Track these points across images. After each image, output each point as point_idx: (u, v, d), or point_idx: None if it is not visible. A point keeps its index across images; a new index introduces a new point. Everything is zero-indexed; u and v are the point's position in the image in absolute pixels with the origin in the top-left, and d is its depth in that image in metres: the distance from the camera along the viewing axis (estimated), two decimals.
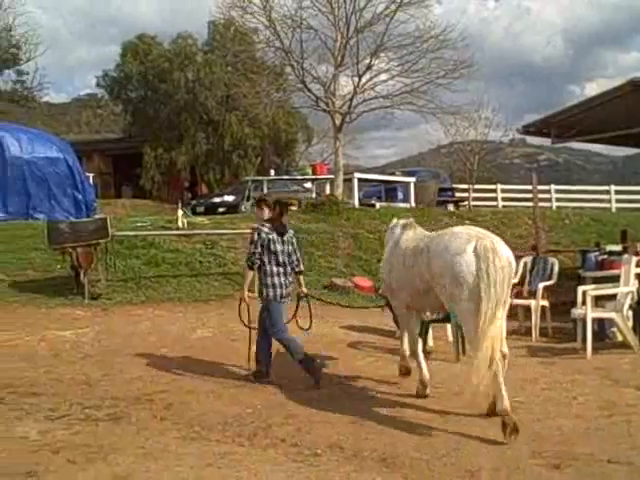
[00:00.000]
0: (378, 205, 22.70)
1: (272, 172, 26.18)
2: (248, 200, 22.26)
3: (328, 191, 24.01)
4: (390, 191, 25.94)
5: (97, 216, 16.44)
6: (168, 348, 9.28)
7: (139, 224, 17.59)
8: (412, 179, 24.55)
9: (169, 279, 14.03)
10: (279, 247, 7.62)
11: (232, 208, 23.32)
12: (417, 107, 23.17)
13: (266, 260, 7.58)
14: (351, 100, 23.10)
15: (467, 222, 18.72)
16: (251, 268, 7.60)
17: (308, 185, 26.45)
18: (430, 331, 9.25)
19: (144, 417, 6.30)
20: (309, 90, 23.32)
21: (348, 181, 23.37)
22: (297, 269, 7.85)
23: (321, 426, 6.06)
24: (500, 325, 5.87)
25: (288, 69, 25.38)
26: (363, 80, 23.09)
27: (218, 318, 11.48)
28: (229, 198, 25.02)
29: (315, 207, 19.83)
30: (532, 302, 10.42)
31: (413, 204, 23.02)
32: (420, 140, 44.85)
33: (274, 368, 7.81)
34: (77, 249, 12.97)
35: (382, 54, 23.45)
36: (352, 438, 5.70)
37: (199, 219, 19.15)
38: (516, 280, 10.24)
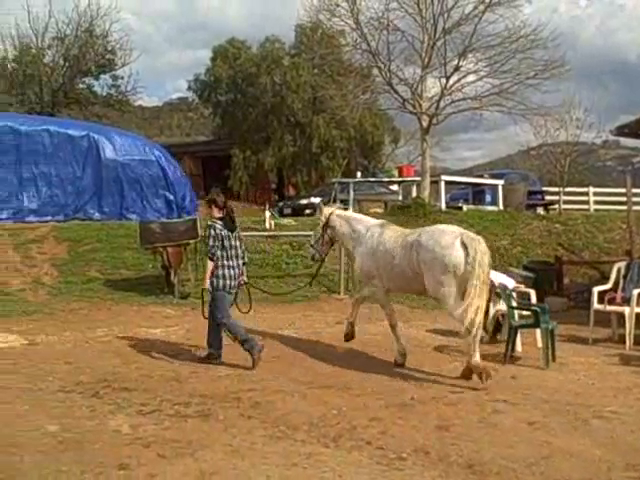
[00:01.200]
0: (465, 208, 22.38)
1: (358, 174, 26.17)
2: (334, 202, 22.29)
3: (414, 193, 23.82)
4: (478, 194, 25.52)
5: (187, 217, 16.78)
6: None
7: None
8: (500, 182, 24.10)
9: (256, 280, 14.18)
10: (232, 242, 8.42)
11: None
12: (506, 108, 22.67)
13: (219, 254, 8.32)
14: (438, 102, 22.84)
15: (557, 226, 18.29)
16: (212, 260, 8.30)
17: (394, 187, 26.32)
18: (519, 337, 9.09)
19: (231, 415, 6.40)
20: (396, 92, 23.18)
21: (435, 183, 23.12)
22: (243, 261, 8.66)
23: (406, 430, 6.02)
24: (484, 298, 7.50)
25: (375, 71, 25.29)
26: (451, 81, 22.79)
27: (304, 319, 11.57)
28: (316, 200, 25.16)
29: (401, 209, 19.74)
30: (626, 309, 10.04)
31: (501, 207, 22.60)
32: (509, 142, 44.30)
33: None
34: (167, 249, 13.30)
35: (470, 55, 23.07)
36: (438, 443, 5.64)
37: (286, 220, 19.35)
38: (609, 286, 10.03)
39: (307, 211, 23.76)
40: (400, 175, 25.13)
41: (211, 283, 8.33)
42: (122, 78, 39.83)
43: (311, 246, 9.43)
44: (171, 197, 19.67)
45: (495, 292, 9.71)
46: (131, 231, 15.58)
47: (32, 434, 5.70)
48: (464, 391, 7.35)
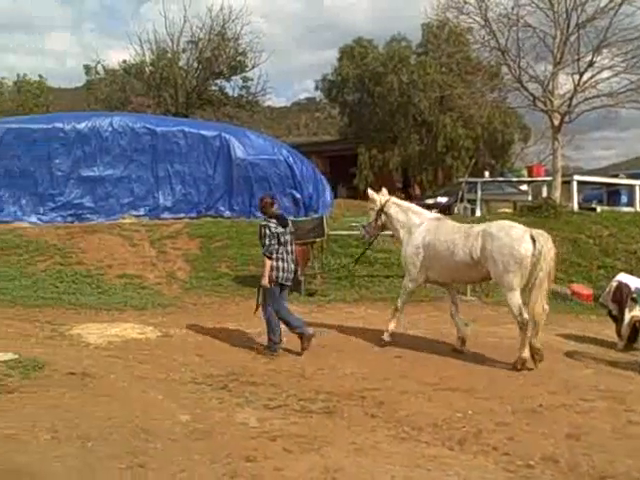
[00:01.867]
0: (599, 209, 21.51)
1: (486, 174, 25.67)
2: (461, 202, 21.99)
3: (545, 194, 23.12)
4: (613, 194, 24.47)
5: (314, 215, 16.96)
6: (380, 347, 9.40)
7: (353, 224, 17.97)
8: (638, 182, 23.02)
9: (381, 279, 14.21)
10: (286, 238, 8.96)
11: (445, 209, 23.13)
12: None
13: (275, 249, 8.81)
14: (571, 99, 22.02)
15: None
16: (270, 258, 8.78)
17: (524, 187, 25.63)
18: None
19: (356, 413, 6.44)
20: (526, 89, 22.55)
21: (566, 183, 22.36)
22: (293, 256, 9.19)
23: (534, 437, 5.86)
24: (545, 289, 8.35)
25: (504, 68, 24.73)
26: (584, 78, 21.89)
27: (429, 320, 11.46)
28: (442, 199, 24.87)
29: (531, 210, 19.18)
30: None
31: (639, 208, 21.59)
32: None
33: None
34: (295, 247, 13.49)
35: (605, 50, 22.09)
36: (568, 452, 5.46)
37: None
38: None
39: (433, 211, 23.42)
40: (530, 175, 24.48)
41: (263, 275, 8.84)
42: (252, 79, 40.84)
43: (362, 227, 10.07)
44: (298, 196, 19.94)
45: (631, 297, 9.32)
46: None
47: (165, 422, 5.93)
48: (596, 400, 7.07)
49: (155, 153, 19.47)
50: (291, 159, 20.42)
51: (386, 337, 9.48)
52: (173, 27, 38.59)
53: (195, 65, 39.69)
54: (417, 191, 34.71)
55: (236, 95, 41.41)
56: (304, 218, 16.31)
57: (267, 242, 8.76)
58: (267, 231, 8.79)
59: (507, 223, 8.91)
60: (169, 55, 39.05)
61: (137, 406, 6.35)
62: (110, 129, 19.17)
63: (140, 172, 19.34)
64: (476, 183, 23.53)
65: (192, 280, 14.24)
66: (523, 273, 8.31)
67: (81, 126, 18.99)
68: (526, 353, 8.31)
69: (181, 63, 39.78)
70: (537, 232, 8.46)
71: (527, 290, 8.40)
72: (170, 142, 19.59)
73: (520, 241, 8.33)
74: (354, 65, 36.97)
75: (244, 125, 31.49)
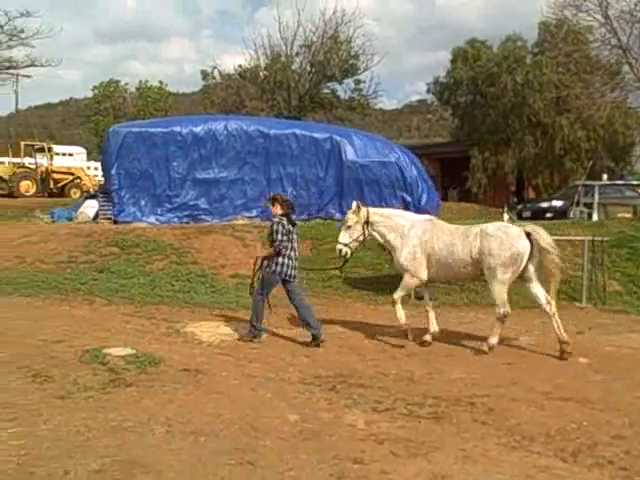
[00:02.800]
0: None
1: (604, 177, 24.76)
2: (577, 205, 21.31)
3: None
4: None
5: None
6: (490, 353, 9.22)
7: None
8: None
9: (484, 285, 13.91)
10: (293, 236, 9.65)
11: (560, 214, 22.44)
12: None
13: (285, 245, 9.49)
14: None
15: None
16: (279, 253, 9.44)
17: None
18: None
19: (465, 419, 6.34)
20: None
21: None
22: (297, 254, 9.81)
23: None
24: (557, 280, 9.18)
25: (625, 67, 23.84)
26: None
27: (542, 326, 11.14)
28: (557, 203, 24.09)
29: None
30: None
31: None
32: None
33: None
34: None
35: None
36: None
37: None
38: None
39: (547, 215, 22.79)
40: None
41: (270, 267, 9.53)
42: (364, 82, 41.00)
43: (343, 244, 9.98)
44: (409, 198, 19.83)
45: None
46: None
47: (274, 421, 6.02)
48: None
49: (268, 155, 19.83)
50: (402, 161, 20.32)
51: (412, 340, 9.72)
52: (287, 31, 39.30)
53: (308, 68, 40.22)
54: (531, 194, 33.87)
55: (348, 98, 41.67)
56: None
57: (280, 237, 9.41)
58: (281, 228, 9.48)
59: (503, 224, 9.84)
60: (283, 59, 39.73)
61: (247, 404, 6.48)
62: (225, 132, 19.66)
63: (253, 174, 19.75)
64: (593, 186, 22.71)
65: (303, 281, 14.38)
66: (516, 270, 8.99)
67: (197, 129, 19.56)
68: (494, 342, 9.13)
69: (294, 67, 40.42)
70: (532, 228, 9.23)
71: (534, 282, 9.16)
72: (282, 145, 19.90)
73: (518, 239, 8.99)
74: (467, 67, 36.48)
75: (355, 127, 31.57)
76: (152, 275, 13.97)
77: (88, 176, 33.02)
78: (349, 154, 19.98)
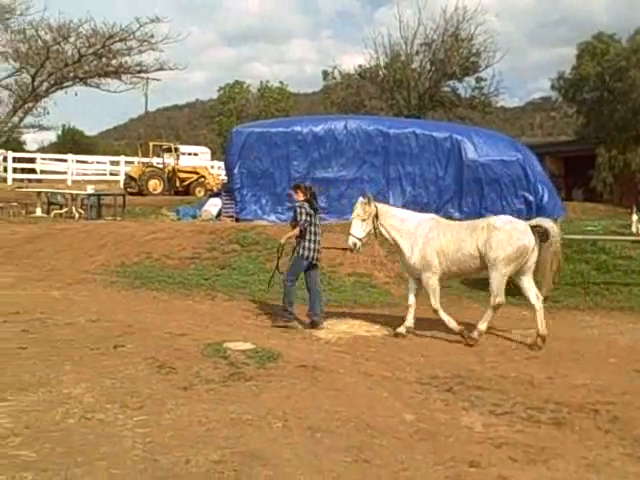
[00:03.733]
0: None
1: None
2: None
3: None
4: None
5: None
6: (617, 359, 8.86)
7: (589, 228, 17.12)
8: None
9: (619, 287, 13.36)
10: (315, 221, 10.20)
11: None
12: None
13: (310, 230, 10.08)
14: None
15: None
16: (302, 232, 10.03)
17: None
18: None
19: (587, 426, 6.12)
20: None
21: None
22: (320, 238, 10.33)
23: None
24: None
25: None
26: None
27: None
28: None
29: None
30: None
31: None
32: None
33: None
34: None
35: None
36: None
37: None
38: None
39: None
40: None
41: (298, 252, 10.13)
42: (485, 80, 40.27)
43: (358, 238, 9.95)
44: (531, 198, 19.34)
45: None
46: None
47: (390, 420, 6.02)
48: None
49: (387, 154, 19.83)
50: (525, 160, 19.84)
51: (456, 327, 9.81)
52: (407, 30, 39.07)
53: (428, 67, 39.91)
54: None
55: (468, 96, 41.04)
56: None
57: (304, 218, 10.01)
58: (303, 210, 10.04)
59: (508, 217, 10.01)
60: (402, 58, 39.59)
61: (363, 402, 6.50)
62: (344, 132, 19.80)
63: (372, 173, 19.80)
64: None
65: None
66: (520, 262, 9.30)
67: (317, 129, 19.79)
68: (483, 328, 9.54)
69: (414, 65, 40.20)
70: (540, 220, 9.71)
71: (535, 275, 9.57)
72: (402, 144, 19.85)
73: (524, 233, 9.28)
74: (594, 62, 35.09)
75: (476, 126, 31.04)
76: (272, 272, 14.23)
77: (212, 175, 33.93)
78: (469, 153, 19.69)
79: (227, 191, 20.57)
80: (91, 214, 22.63)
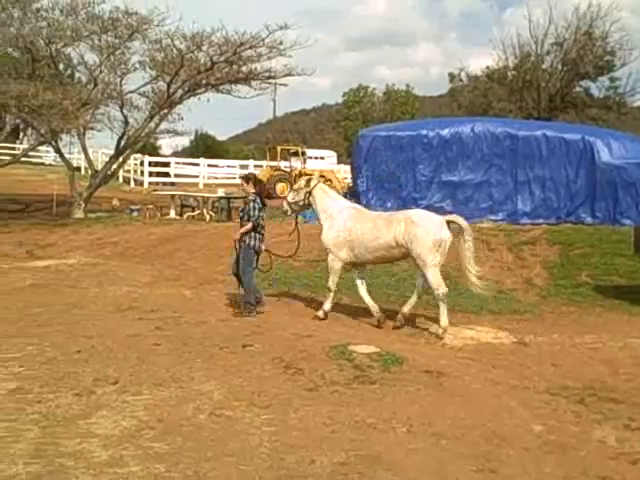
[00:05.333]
0: None
1: None
2: None
3: None
4: None
5: None
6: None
7: None
8: None
9: None
10: (263, 214, 10.69)
11: None
12: None
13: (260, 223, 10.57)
14: None
15: None
16: (255, 226, 10.43)
17: None
18: None
19: None
20: None
21: None
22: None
23: None
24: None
25: None
26: None
27: None
28: None
29: None
30: None
31: None
32: None
33: None
34: None
35: None
36: None
37: None
38: None
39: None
40: None
41: (246, 242, 10.47)
42: (620, 79, 38.69)
43: (288, 203, 11.25)
44: None
45: None
46: (625, 237, 15.02)
47: (517, 430, 5.87)
48: None
49: (515, 157, 19.38)
50: None
51: (320, 314, 10.71)
52: (537, 29, 38.09)
53: (559, 67, 38.80)
54: None
55: (602, 96, 39.51)
56: None
57: (257, 213, 10.44)
58: (256, 205, 10.48)
59: (425, 212, 10.75)
60: (532, 58, 38.66)
61: (489, 410, 6.37)
62: (471, 134, 19.52)
63: (499, 177, 19.41)
64: None
65: (550, 288, 13.86)
66: (442, 253, 9.98)
67: (444, 132, 19.61)
68: (445, 322, 10.05)
69: (544, 66, 39.17)
70: (454, 217, 10.39)
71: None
72: (531, 146, 19.34)
73: (440, 227, 9.96)
74: None
75: (610, 127, 29.82)
76: (397, 276, 14.18)
77: (338, 179, 34.21)
78: (603, 155, 18.91)
79: (353, 194, 20.69)
80: (221, 216, 23.36)
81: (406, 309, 10.60)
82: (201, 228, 19.83)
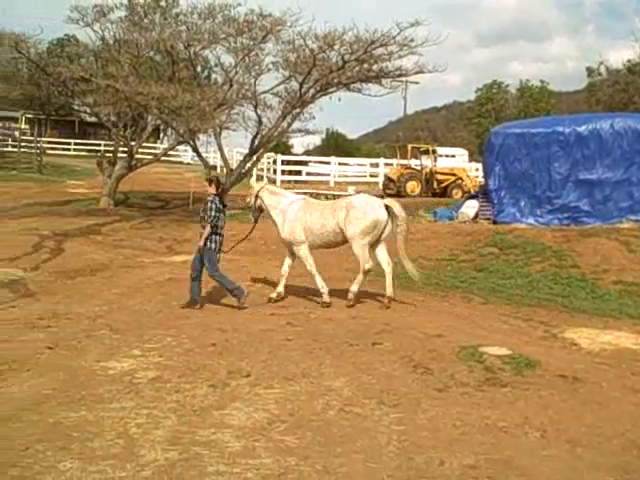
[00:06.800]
0: None
1: None
2: None
3: None
4: None
5: None
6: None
7: None
8: None
9: None
10: (223, 215, 10.82)
11: None
12: None
13: (219, 224, 10.64)
14: None
15: None
16: (213, 227, 10.49)
17: None
18: None
19: None
20: None
21: None
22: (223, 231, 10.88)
23: None
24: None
25: None
26: None
27: None
28: None
29: None
30: None
31: None
32: None
33: None
34: None
35: None
36: None
37: None
38: None
39: None
40: None
41: (209, 245, 10.50)
42: None
43: (251, 211, 11.97)
44: None
45: None
46: None
47: None
48: None
49: None
50: None
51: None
52: None
53: None
54: None
55: None
56: None
57: (213, 214, 10.48)
58: (214, 206, 10.55)
59: (366, 196, 11.72)
60: None
61: (628, 419, 6.11)
62: (611, 131, 18.69)
63: None
64: None
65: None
66: (376, 234, 10.78)
67: (581, 129, 18.88)
68: (356, 288, 10.86)
69: None
70: (390, 201, 11.37)
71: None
72: None
73: (378, 209, 10.79)
74: None
75: None
76: (530, 277, 13.84)
77: (469, 177, 33.62)
78: None
79: (484, 193, 20.32)
80: None
81: (388, 291, 11.04)
82: None
